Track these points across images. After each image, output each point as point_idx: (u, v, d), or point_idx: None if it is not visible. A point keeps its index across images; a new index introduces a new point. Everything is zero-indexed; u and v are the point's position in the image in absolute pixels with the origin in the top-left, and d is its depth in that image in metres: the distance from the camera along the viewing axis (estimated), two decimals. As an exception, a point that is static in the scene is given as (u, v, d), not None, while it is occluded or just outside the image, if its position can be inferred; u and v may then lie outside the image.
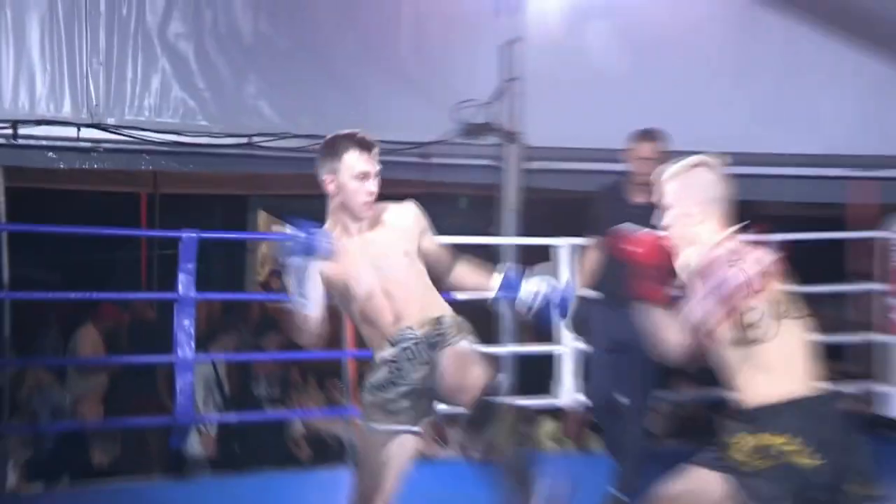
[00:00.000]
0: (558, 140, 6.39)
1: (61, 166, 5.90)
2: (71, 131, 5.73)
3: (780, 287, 2.90)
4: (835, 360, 7.45)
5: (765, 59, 6.83)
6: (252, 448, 6.50)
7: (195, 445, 6.24)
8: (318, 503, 4.91)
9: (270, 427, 6.88)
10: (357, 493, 3.27)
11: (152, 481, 5.58)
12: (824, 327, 7.96)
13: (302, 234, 3.07)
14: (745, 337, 2.83)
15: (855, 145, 7.04)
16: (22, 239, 5.99)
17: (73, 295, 6.59)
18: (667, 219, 3.07)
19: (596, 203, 4.95)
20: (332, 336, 6.88)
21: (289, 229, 3.10)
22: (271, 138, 5.98)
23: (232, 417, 6.62)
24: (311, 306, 3.12)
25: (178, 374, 5.18)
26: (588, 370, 5.18)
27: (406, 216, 3.36)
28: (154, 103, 5.89)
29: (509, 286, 3.39)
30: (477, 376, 3.15)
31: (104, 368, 7.41)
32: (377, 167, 3.25)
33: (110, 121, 5.80)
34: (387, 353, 3.26)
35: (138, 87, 5.88)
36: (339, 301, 3.30)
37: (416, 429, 3.26)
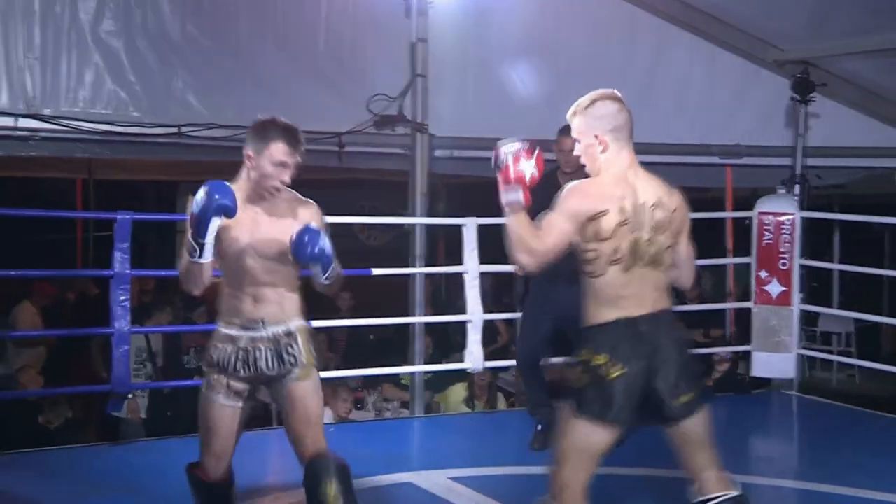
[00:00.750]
0: (460, 130, 6.49)
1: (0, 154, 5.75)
2: (9, 121, 5.61)
3: (633, 236, 2.94)
4: (715, 326, 7.70)
5: (642, 58, 7.02)
6: (183, 413, 6.44)
7: (125, 411, 6.17)
8: (243, 462, 4.90)
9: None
10: (202, 447, 3.36)
11: (91, 445, 5.49)
12: (706, 297, 8.20)
13: (216, 190, 3.06)
14: (585, 270, 2.96)
15: (722, 136, 7.28)
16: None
17: (11, 273, 6.43)
18: (577, 150, 3.06)
19: (532, 190, 5.05)
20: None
21: (204, 186, 3.08)
22: (199, 128, 5.95)
23: (164, 385, 6.56)
24: (207, 255, 3.11)
25: (115, 345, 5.13)
26: (521, 334, 5.24)
27: (305, 214, 3.30)
28: (88, 95, 5.84)
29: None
30: (315, 432, 3.26)
31: (42, 341, 7.27)
32: (297, 160, 3.26)
33: (46, 111, 5.72)
34: (234, 332, 3.27)
35: (73, 80, 5.82)
36: (217, 257, 3.23)
37: (241, 405, 3.32)
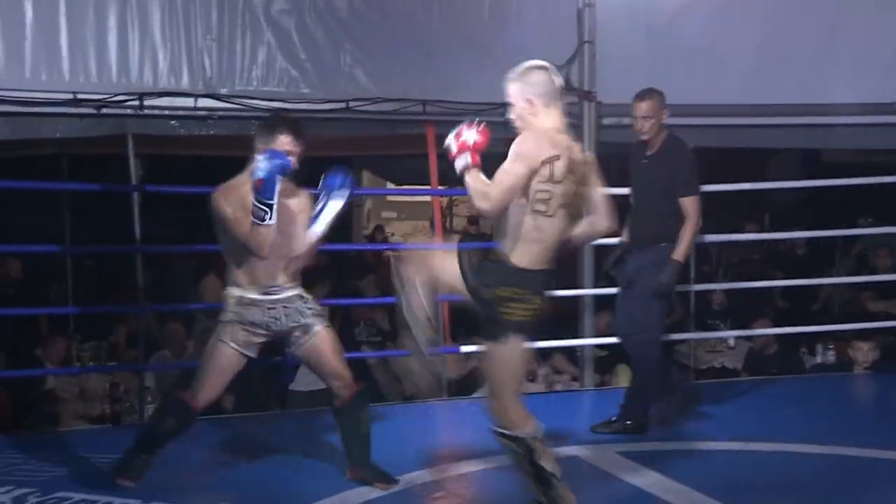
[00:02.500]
0: (629, 97, 6.32)
1: (182, 133, 6.03)
2: (189, 101, 5.86)
3: (576, 185, 3.33)
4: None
5: (821, 12, 6.61)
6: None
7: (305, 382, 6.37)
8: (416, 431, 5.03)
9: (370, 366, 6.98)
10: (200, 382, 3.95)
11: (263, 414, 5.74)
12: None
13: (274, 154, 3.63)
14: (532, 208, 3.29)
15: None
16: (151, 199, 6.17)
17: (195, 248, 6.74)
18: (511, 113, 3.44)
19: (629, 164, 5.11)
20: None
21: (264, 154, 3.64)
22: (366, 103, 6.04)
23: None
24: (275, 216, 3.67)
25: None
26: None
27: (303, 194, 4.01)
28: (261, 74, 6.03)
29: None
30: (345, 367, 4.00)
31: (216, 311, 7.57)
32: (300, 148, 3.83)
33: (223, 91, 5.94)
34: (255, 296, 3.88)
35: (247, 59, 6.01)
36: (230, 234, 3.80)
37: (250, 356, 3.95)
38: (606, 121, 6.36)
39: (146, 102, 5.79)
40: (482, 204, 3.29)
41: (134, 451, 4.05)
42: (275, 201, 3.64)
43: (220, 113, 5.95)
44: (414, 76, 6.07)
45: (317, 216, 3.93)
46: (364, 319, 7.19)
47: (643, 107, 4.89)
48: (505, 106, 6.17)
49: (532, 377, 6.80)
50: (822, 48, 6.56)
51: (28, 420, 5.86)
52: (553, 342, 6.37)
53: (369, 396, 4.17)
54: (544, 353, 6.92)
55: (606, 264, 5.21)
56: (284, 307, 3.92)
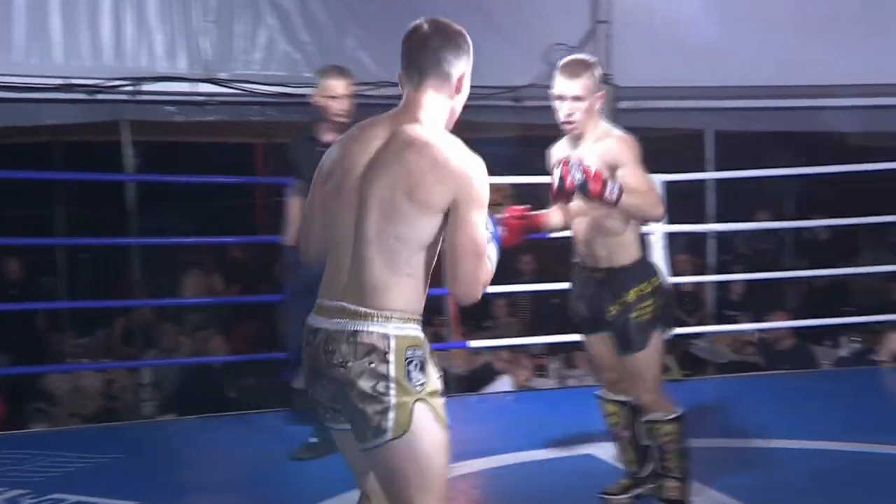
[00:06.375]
0: (647, 80, 6.29)
1: (179, 119, 6.00)
2: (187, 86, 5.84)
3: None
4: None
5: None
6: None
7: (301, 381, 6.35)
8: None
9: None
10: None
11: (270, 412, 5.70)
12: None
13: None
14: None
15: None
16: (148, 189, 6.17)
17: (188, 240, 6.73)
18: (577, 110, 3.31)
19: (291, 150, 4.57)
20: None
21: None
22: (371, 87, 5.99)
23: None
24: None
25: (290, 312, 5.26)
26: None
27: None
28: (262, 57, 6.00)
29: None
30: None
31: (219, 307, 7.54)
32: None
33: (222, 75, 5.90)
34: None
35: (247, 42, 5.96)
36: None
37: None
38: (623, 104, 6.34)
39: (142, 87, 5.77)
40: (660, 210, 3.37)
41: None
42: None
43: (220, 98, 5.93)
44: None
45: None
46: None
47: (342, 85, 4.39)
48: (514, 89, 6.22)
49: (543, 372, 6.79)
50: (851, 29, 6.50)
51: (22, 418, 5.87)
52: (567, 336, 6.34)
53: None
54: (556, 348, 6.91)
55: None
56: None
